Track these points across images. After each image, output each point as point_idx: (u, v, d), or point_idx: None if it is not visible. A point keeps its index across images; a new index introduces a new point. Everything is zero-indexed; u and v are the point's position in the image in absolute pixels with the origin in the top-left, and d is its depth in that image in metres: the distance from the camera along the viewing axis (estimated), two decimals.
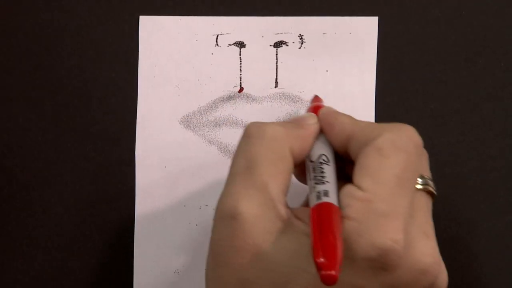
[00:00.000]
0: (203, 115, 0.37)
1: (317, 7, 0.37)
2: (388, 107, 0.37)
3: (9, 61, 0.38)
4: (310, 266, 0.23)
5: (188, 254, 0.38)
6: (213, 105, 0.37)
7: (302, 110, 0.37)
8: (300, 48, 0.37)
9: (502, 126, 0.37)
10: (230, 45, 0.37)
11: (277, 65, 0.37)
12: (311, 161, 0.28)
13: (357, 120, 0.29)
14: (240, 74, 0.37)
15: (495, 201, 0.37)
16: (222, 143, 0.37)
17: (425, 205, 0.27)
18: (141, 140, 0.38)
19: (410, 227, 0.25)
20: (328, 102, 0.37)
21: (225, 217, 0.26)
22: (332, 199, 0.25)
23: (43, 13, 0.38)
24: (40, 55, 0.38)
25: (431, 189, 0.28)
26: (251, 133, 0.27)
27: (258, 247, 0.25)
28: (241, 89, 0.37)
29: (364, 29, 0.37)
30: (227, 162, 0.37)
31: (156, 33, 0.37)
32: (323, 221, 0.24)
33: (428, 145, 0.37)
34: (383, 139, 0.26)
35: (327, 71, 0.37)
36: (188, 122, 0.37)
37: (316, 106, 0.32)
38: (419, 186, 0.27)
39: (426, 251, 0.25)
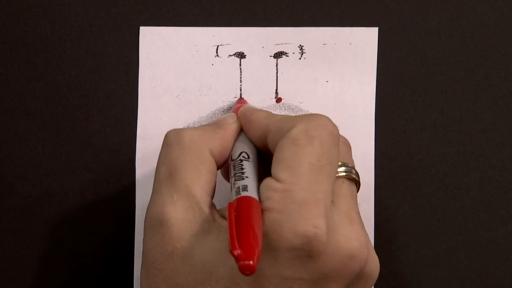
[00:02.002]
0: None
1: (317, 18, 0.37)
2: (388, 117, 0.37)
3: (10, 71, 0.38)
4: (231, 260, 0.23)
5: None
6: (214, 116, 0.37)
7: None
8: (300, 58, 0.37)
9: (502, 136, 0.37)
10: (230, 55, 0.38)
11: (277, 76, 0.37)
12: (232, 160, 0.28)
13: (273, 114, 0.29)
14: (240, 85, 0.37)
15: (495, 212, 0.37)
16: None
17: (348, 192, 0.28)
18: (141, 151, 0.37)
19: (332, 213, 0.25)
20: (328, 112, 0.37)
21: (153, 225, 0.27)
22: (251, 193, 0.25)
23: (44, 24, 0.38)
24: (40, 66, 0.38)
25: (354, 176, 0.28)
26: (170, 140, 0.28)
27: (187, 250, 0.25)
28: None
29: (364, 40, 0.37)
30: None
31: (156, 43, 0.37)
32: (241, 215, 0.24)
33: (428, 155, 0.37)
34: (296, 130, 0.26)
35: (327, 81, 0.37)
36: None
37: (238, 107, 0.33)
38: (341, 174, 0.28)
39: (351, 236, 0.25)
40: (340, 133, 0.37)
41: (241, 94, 0.37)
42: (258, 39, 0.37)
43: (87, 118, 0.38)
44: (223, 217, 0.27)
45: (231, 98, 0.37)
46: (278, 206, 0.24)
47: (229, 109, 0.37)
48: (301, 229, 0.24)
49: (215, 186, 0.28)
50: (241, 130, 0.30)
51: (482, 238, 0.37)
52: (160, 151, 0.29)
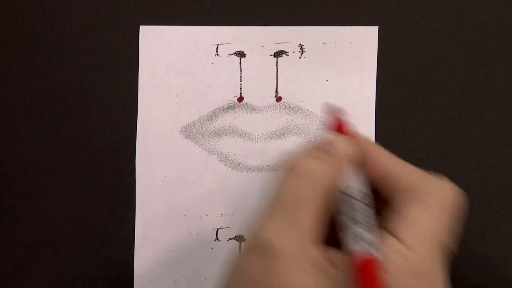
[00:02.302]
0: (203, 124, 0.37)
1: (317, 16, 0.37)
2: (388, 116, 0.37)
3: (9, 71, 0.38)
4: None
5: (188, 264, 0.37)
6: (213, 115, 0.37)
7: (302, 119, 0.37)
8: (300, 57, 0.37)
9: (502, 136, 0.37)
10: (230, 54, 0.37)
11: (277, 75, 0.37)
12: (350, 196, 0.25)
13: (402, 162, 0.27)
14: (240, 84, 0.37)
15: (495, 211, 0.37)
16: (222, 152, 0.37)
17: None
18: (141, 150, 0.37)
19: None
20: None
21: (259, 250, 0.25)
22: (376, 250, 0.24)
23: (43, 23, 0.38)
24: (40, 65, 0.38)
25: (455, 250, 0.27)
26: (292, 167, 0.26)
27: (287, 286, 0.24)
28: (241, 99, 0.37)
29: (364, 39, 0.37)
30: (228, 171, 0.37)
31: (156, 42, 0.37)
32: (368, 278, 0.23)
33: (428, 155, 0.37)
34: (432, 196, 0.25)
35: (327, 80, 0.37)
36: (188, 131, 0.37)
37: (338, 123, 0.29)
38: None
39: None
40: None
41: (241, 93, 0.37)
42: (258, 38, 0.37)
43: (86, 117, 0.38)
44: (331, 263, 0.25)
45: (231, 97, 0.37)
46: (400, 274, 0.23)
47: (229, 108, 0.37)
48: None
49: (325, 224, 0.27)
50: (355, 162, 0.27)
51: (482, 237, 0.37)
52: (281, 175, 0.27)
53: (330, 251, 0.25)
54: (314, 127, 0.37)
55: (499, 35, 0.37)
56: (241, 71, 0.37)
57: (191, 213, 0.37)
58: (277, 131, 0.37)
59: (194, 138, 0.37)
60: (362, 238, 0.24)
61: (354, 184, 0.26)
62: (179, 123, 0.37)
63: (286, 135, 0.37)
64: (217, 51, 0.37)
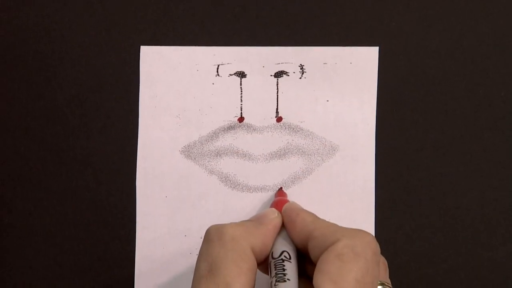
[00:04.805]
0: (204, 145, 0.37)
1: (317, 37, 0.37)
2: (389, 136, 0.37)
3: (10, 90, 0.38)
4: None
5: (189, 285, 0.37)
6: (214, 135, 0.37)
7: (302, 140, 0.37)
8: (300, 78, 0.37)
9: (502, 156, 0.37)
10: (231, 75, 0.38)
11: (277, 95, 0.37)
12: (273, 258, 0.28)
13: (319, 219, 0.30)
14: (241, 104, 0.37)
15: (495, 232, 0.37)
16: (223, 173, 0.37)
17: None
18: (142, 170, 0.37)
19: None
20: (328, 132, 0.37)
21: None
22: None
23: (44, 44, 0.38)
24: (40, 85, 0.38)
25: None
26: (211, 236, 0.28)
27: None
28: (242, 119, 0.37)
29: (365, 59, 0.37)
30: (228, 191, 0.37)
31: (157, 63, 0.37)
32: None
33: (429, 175, 0.37)
34: (342, 245, 0.26)
35: (327, 101, 0.37)
36: (189, 152, 0.37)
37: (279, 200, 0.33)
38: None
39: None
40: (340, 152, 0.37)
41: (241, 113, 0.37)
42: (258, 59, 0.37)
43: (87, 137, 0.38)
44: None
45: (231, 117, 0.37)
46: None
47: (230, 128, 0.37)
48: None
49: (255, 283, 0.28)
50: (282, 227, 0.30)
51: (482, 257, 0.37)
52: (201, 246, 0.29)
53: None
54: (314, 147, 0.37)
55: (498, 56, 0.37)
56: (241, 91, 0.37)
57: (191, 233, 0.37)
58: (277, 151, 0.37)
59: (195, 158, 0.37)
60: None
61: (278, 248, 0.29)
62: (179, 143, 0.38)
63: (287, 155, 0.37)
64: (217, 71, 0.38)
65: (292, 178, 0.37)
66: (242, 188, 0.37)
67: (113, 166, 0.38)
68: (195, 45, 0.37)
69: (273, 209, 0.31)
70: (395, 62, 0.37)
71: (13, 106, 0.38)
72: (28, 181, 0.38)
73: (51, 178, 0.38)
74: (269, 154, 0.37)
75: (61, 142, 0.38)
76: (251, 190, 0.37)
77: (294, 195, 0.37)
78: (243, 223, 0.30)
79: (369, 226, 0.37)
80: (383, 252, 0.37)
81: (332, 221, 0.29)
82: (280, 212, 0.31)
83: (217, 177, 0.37)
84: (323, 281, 0.25)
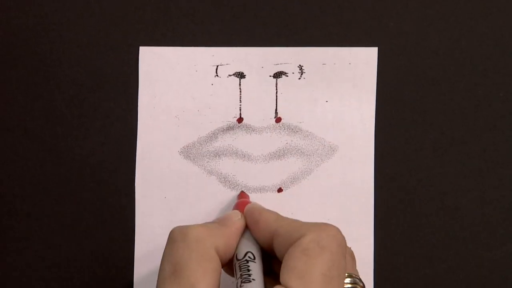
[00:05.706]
0: (202, 145, 0.37)
1: (316, 37, 0.37)
2: (388, 137, 0.37)
3: (9, 91, 0.38)
4: None
5: None
6: (213, 136, 0.37)
7: (301, 140, 0.37)
8: (299, 78, 0.37)
9: (502, 156, 0.37)
10: (230, 75, 0.38)
11: (276, 96, 0.37)
12: (238, 259, 0.28)
13: (282, 217, 0.30)
14: (240, 105, 0.37)
15: (495, 232, 0.37)
16: (221, 173, 0.37)
17: None
18: (140, 171, 0.37)
19: None
20: (327, 132, 0.37)
21: None
22: None
23: (43, 44, 0.38)
24: (39, 85, 0.38)
25: (359, 287, 0.29)
26: (175, 237, 0.28)
27: None
28: (241, 120, 0.37)
29: (364, 60, 0.37)
30: (227, 192, 0.37)
31: (156, 63, 0.37)
32: None
33: (428, 175, 0.37)
34: (307, 240, 0.26)
35: (326, 101, 0.37)
36: (187, 152, 0.37)
37: (241, 202, 0.33)
38: (347, 286, 0.28)
39: None
40: (339, 152, 0.37)
41: (240, 114, 0.37)
42: (257, 59, 0.37)
43: (86, 138, 0.38)
44: None
45: (230, 118, 0.37)
46: None
47: (229, 129, 0.37)
48: None
49: (219, 284, 0.28)
50: (246, 228, 0.31)
51: (482, 257, 0.37)
52: (165, 248, 0.29)
53: None
54: (313, 147, 0.37)
55: (498, 56, 0.37)
56: (240, 92, 0.37)
57: None
58: (276, 151, 0.37)
59: (194, 159, 0.37)
60: None
61: (242, 249, 0.29)
62: (178, 143, 0.37)
63: (286, 155, 0.37)
64: (216, 72, 0.38)
65: (291, 178, 0.37)
66: (241, 188, 0.37)
67: (112, 166, 0.38)
68: (194, 45, 0.37)
69: (236, 211, 0.32)
70: (394, 62, 0.37)
71: (12, 106, 0.38)
72: (27, 181, 0.38)
73: (50, 178, 0.38)
74: (268, 155, 0.37)
75: (60, 142, 0.38)
76: (250, 191, 0.37)
77: (293, 196, 0.37)
78: (206, 224, 0.30)
79: (368, 226, 0.37)
80: (383, 252, 0.37)
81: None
82: (243, 214, 0.31)
83: (216, 177, 0.37)
84: (290, 277, 0.25)
